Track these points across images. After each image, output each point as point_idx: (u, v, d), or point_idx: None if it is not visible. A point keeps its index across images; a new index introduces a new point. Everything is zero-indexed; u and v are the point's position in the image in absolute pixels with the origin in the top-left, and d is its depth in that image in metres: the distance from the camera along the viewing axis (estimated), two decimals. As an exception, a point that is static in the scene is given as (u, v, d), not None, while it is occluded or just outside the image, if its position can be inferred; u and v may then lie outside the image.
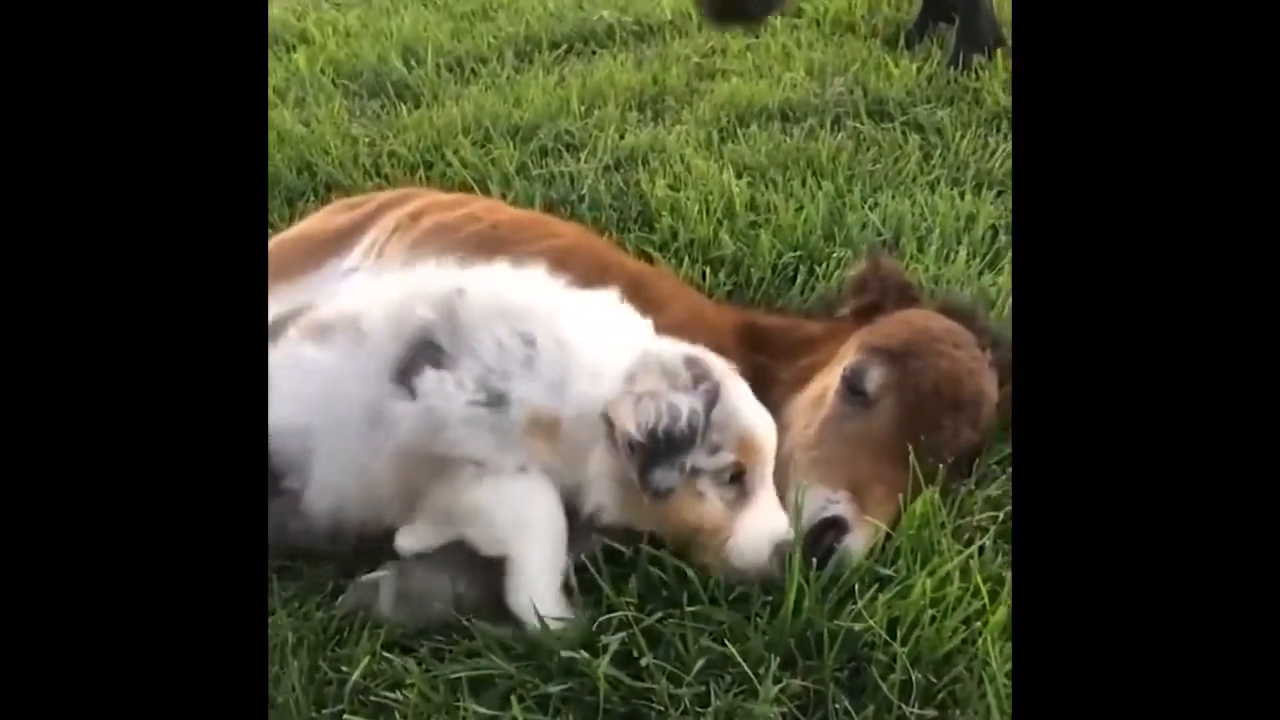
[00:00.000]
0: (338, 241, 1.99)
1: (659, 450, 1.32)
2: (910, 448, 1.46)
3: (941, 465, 1.48)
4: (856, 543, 1.43)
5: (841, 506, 1.45)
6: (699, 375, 1.38)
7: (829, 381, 1.60)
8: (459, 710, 1.26)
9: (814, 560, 1.38)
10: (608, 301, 1.51)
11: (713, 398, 1.36)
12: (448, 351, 1.38)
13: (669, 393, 1.35)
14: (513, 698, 1.25)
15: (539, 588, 1.34)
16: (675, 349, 1.43)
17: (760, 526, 1.39)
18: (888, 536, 1.46)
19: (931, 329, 1.61)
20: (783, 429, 1.50)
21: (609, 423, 1.34)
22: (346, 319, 1.44)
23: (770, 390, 1.60)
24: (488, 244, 1.82)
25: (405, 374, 1.37)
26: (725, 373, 1.42)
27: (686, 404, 1.34)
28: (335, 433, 1.40)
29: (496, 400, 1.35)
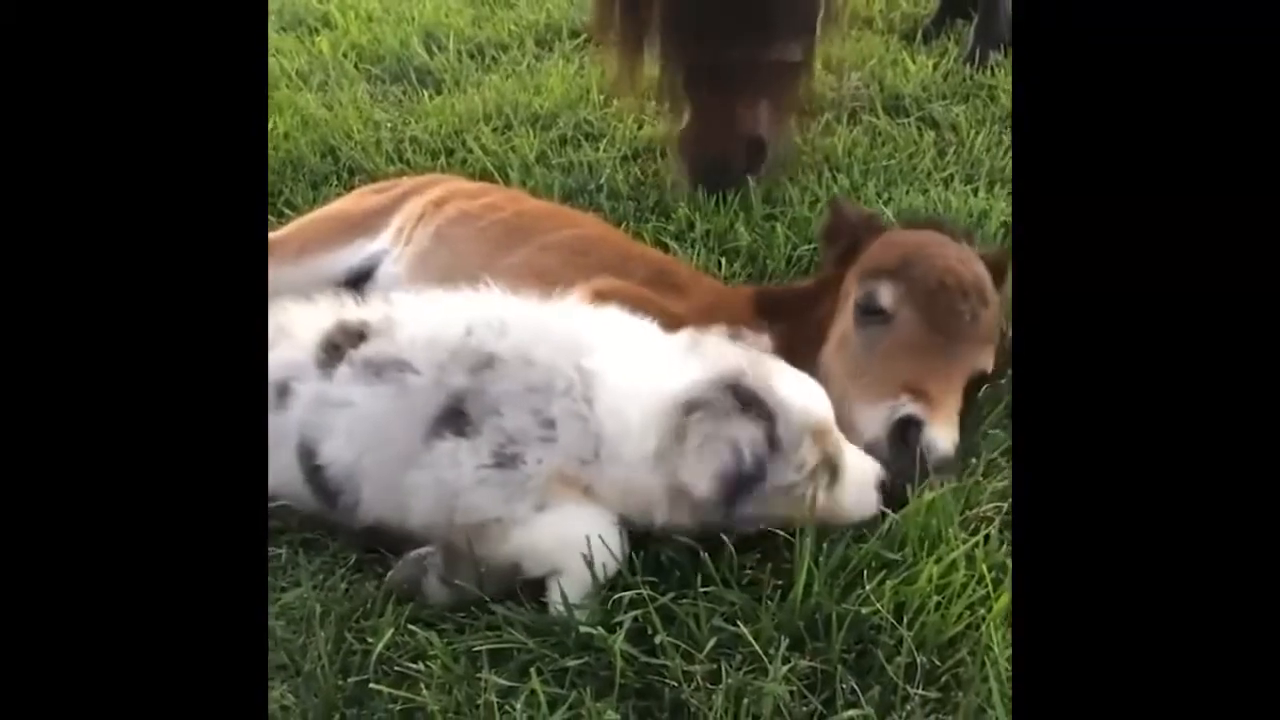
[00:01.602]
0: (366, 223, 2.07)
1: (734, 493, 1.35)
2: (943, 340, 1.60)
3: (976, 346, 1.63)
4: (937, 434, 1.53)
5: (909, 407, 1.55)
6: (745, 399, 1.38)
7: (845, 322, 1.69)
8: (479, 681, 1.31)
9: (907, 461, 1.50)
10: (642, 339, 1.51)
11: (769, 417, 1.37)
12: (473, 421, 1.40)
13: (723, 428, 1.35)
14: (531, 670, 1.30)
15: (580, 593, 1.39)
16: (711, 377, 1.40)
17: (860, 482, 1.46)
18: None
19: (914, 239, 1.75)
20: (824, 382, 1.55)
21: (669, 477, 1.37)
22: (395, 364, 1.46)
23: (798, 352, 1.66)
24: (511, 233, 1.88)
25: (429, 439, 1.41)
26: (764, 373, 1.42)
27: (747, 438, 1.35)
28: (381, 468, 1.45)
29: (509, 461, 1.38)
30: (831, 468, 1.43)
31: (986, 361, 1.66)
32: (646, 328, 1.53)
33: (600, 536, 1.38)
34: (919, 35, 3.45)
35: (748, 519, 1.39)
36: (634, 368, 1.45)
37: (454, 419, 1.40)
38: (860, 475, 1.46)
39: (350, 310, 1.59)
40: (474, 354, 1.44)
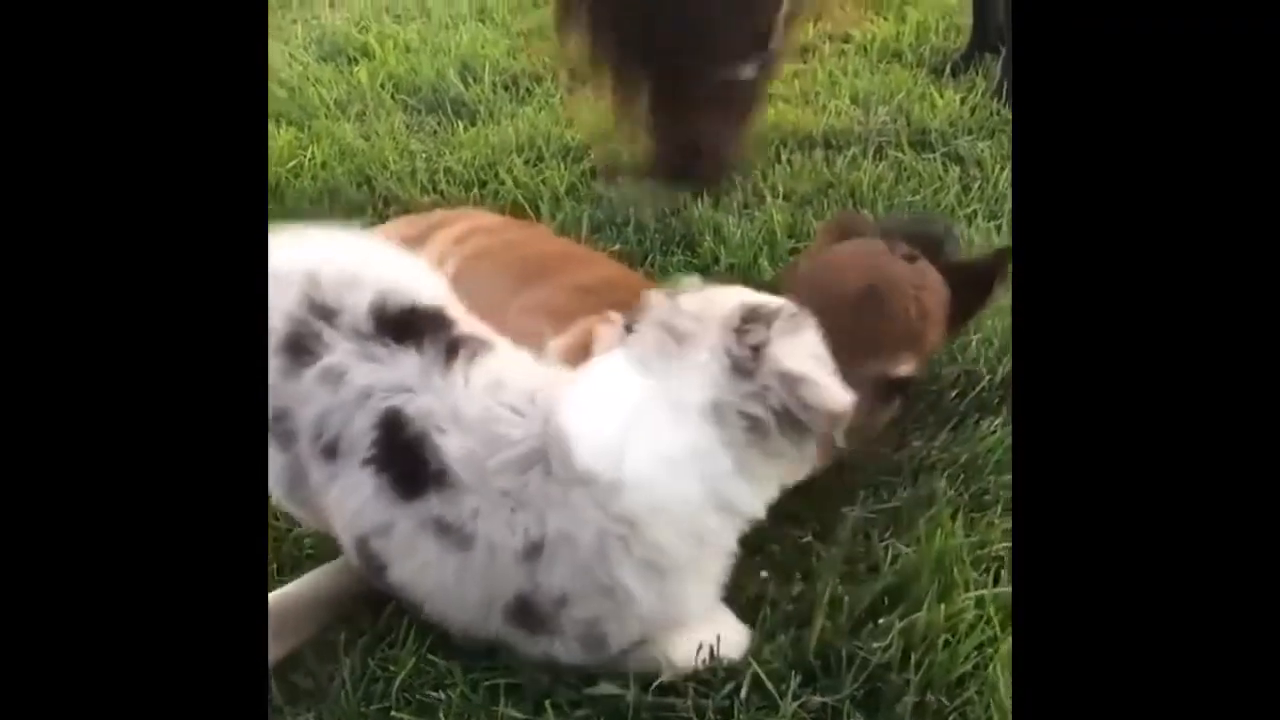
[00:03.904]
0: None
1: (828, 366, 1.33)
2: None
3: (872, 354, 1.61)
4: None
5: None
6: (783, 313, 1.34)
7: None
8: (496, 712, 1.35)
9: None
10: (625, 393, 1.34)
11: (800, 318, 1.35)
12: (545, 617, 1.34)
13: (787, 331, 1.32)
14: (547, 704, 1.34)
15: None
16: (723, 316, 1.33)
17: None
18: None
19: (830, 251, 1.76)
20: None
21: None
22: (458, 535, 1.33)
23: None
24: (528, 271, 1.93)
25: (508, 623, 1.37)
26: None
27: (812, 340, 1.34)
28: (456, 615, 1.41)
29: (597, 644, 1.36)
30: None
31: (890, 367, 1.64)
32: (620, 369, 1.35)
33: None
34: (948, 69, 3.46)
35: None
36: (644, 445, 1.30)
37: (526, 615, 1.34)
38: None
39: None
40: (522, 542, 1.31)
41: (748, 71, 2.52)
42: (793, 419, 1.28)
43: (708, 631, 1.41)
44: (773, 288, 1.63)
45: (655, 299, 1.38)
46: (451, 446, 1.31)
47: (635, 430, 1.29)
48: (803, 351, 1.31)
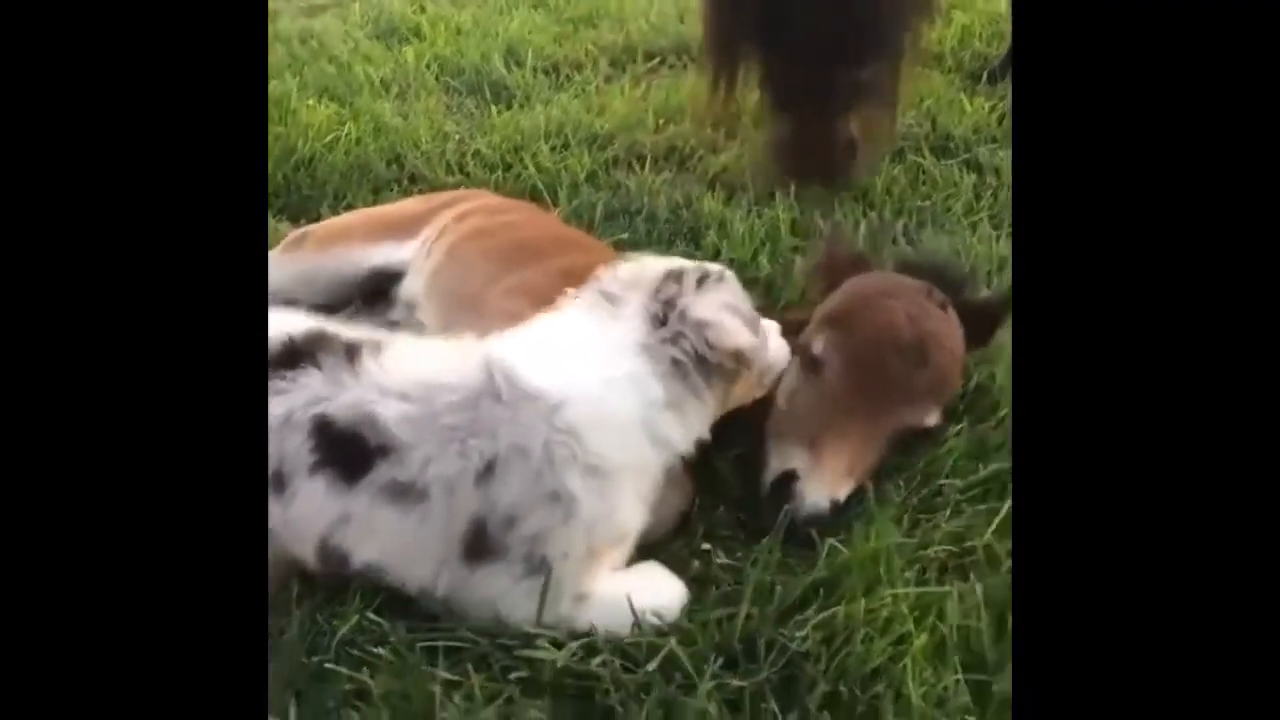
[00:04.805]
0: (400, 227, 2.20)
1: (756, 330, 1.53)
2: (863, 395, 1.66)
3: (904, 405, 1.67)
4: (811, 489, 1.61)
5: (797, 460, 1.63)
6: (698, 277, 1.53)
7: (794, 363, 1.76)
8: (429, 673, 1.41)
9: (771, 510, 1.60)
10: (567, 335, 1.53)
11: (720, 278, 1.55)
12: (496, 541, 1.42)
13: (712, 294, 1.51)
14: (469, 666, 1.40)
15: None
16: (653, 278, 1.53)
17: (774, 329, 1.65)
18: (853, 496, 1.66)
19: (868, 287, 1.80)
20: (773, 418, 1.72)
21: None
22: (411, 491, 1.42)
23: None
24: (520, 253, 1.98)
25: (467, 563, 1.44)
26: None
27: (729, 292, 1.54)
28: (423, 578, 1.47)
29: (540, 566, 1.43)
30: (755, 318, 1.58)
31: (918, 418, 1.70)
32: (561, 320, 1.55)
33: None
34: (985, 75, 3.45)
35: (777, 356, 1.61)
36: (583, 372, 1.47)
37: (479, 542, 1.42)
38: (770, 326, 1.63)
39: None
40: (475, 465, 1.41)
41: (885, 70, 2.70)
42: (704, 360, 1.47)
43: (644, 584, 1.50)
44: (810, 323, 1.76)
45: (600, 271, 1.58)
46: (390, 414, 1.41)
47: (576, 356, 1.48)
48: (714, 302, 1.50)
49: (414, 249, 2.13)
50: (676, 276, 1.52)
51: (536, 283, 1.92)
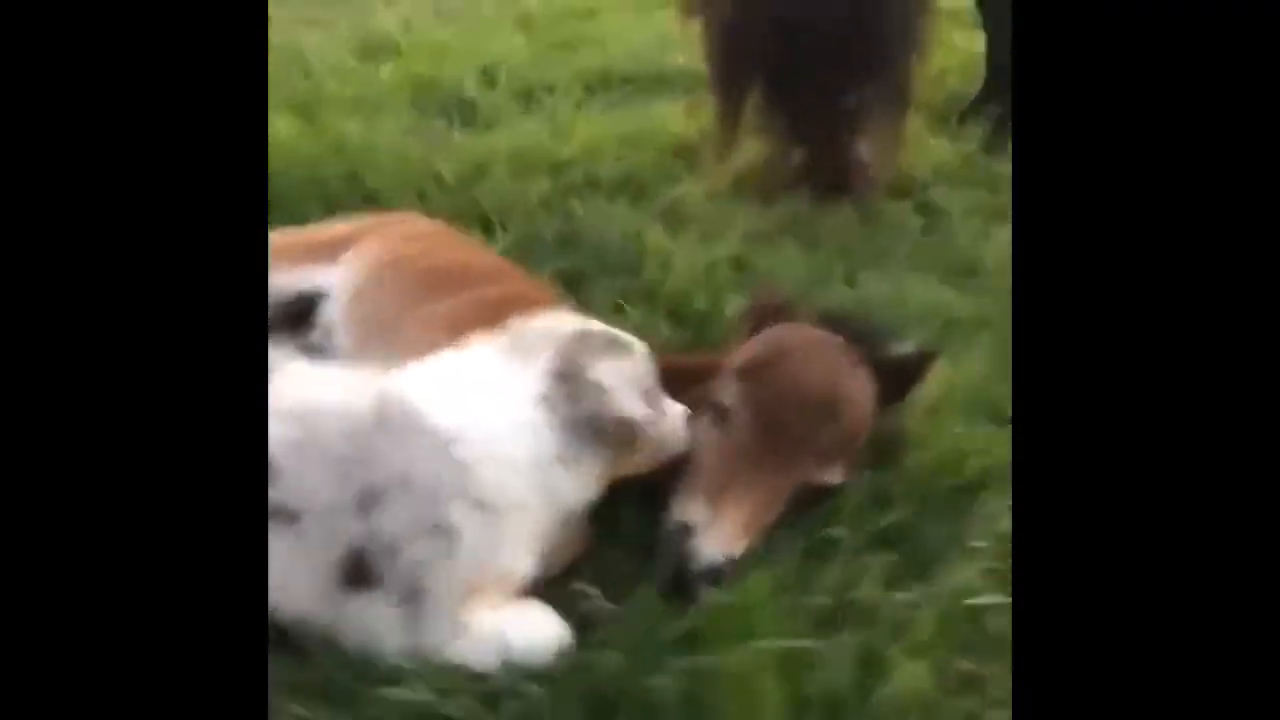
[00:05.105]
0: (325, 250, 2.16)
1: (654, 403, 1.56)
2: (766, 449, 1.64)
3: (809, 462, 1.65)
4: (708, 545, 1.58)
5: (697, 512, 1.61)
6: (600, 341, 1.54)
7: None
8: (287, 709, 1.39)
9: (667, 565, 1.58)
10: (470, 377, 1.54)
11: (625, 347, 1.56)
12: (376, 569, 1.41)
13: (611, 361, 1.52)
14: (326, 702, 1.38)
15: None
16: (563, 339, 1.53)
17: (676, 410, 1.63)
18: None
19: (784, 340, 1.77)
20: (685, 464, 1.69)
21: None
22: (284, 513, 1.41)
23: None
24: (438, 282, 1.97)
25: (342, 591, 1.43)
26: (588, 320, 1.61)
27: (630, 364, 1.54)
28: (299, 608, 1.45)
29: (415, 596, 1.42)
30: (659, 399, 1.59)
31: (822, 476, 1.68)
32: (468, 358, 1.56)
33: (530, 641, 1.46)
34: (955, 116, 3.44)
35: (663, 441, 1.58)
36: (484, 410, 1.48)
37: (356, 570, 1.42)
38: (676, 410, 1.62)
39: None
40: (358, 493, 1.42)
41: (891, 88, 2.83)
42: (597, 424, 1.48)
43: (522, 623, 1.48)
44: (726, 373, 1.73)
45: (514, 323, 1.59)
46: (273, 438, 1.39)
47: (477, 395, 1.50)
48: (615, 371, 1.51)
49: (337, 272, 2.12)
50: (586, 339, 1.54)
51: (453, 313, 1.90)
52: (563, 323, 1.59)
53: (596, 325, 1.59)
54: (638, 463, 1.60)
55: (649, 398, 1.54)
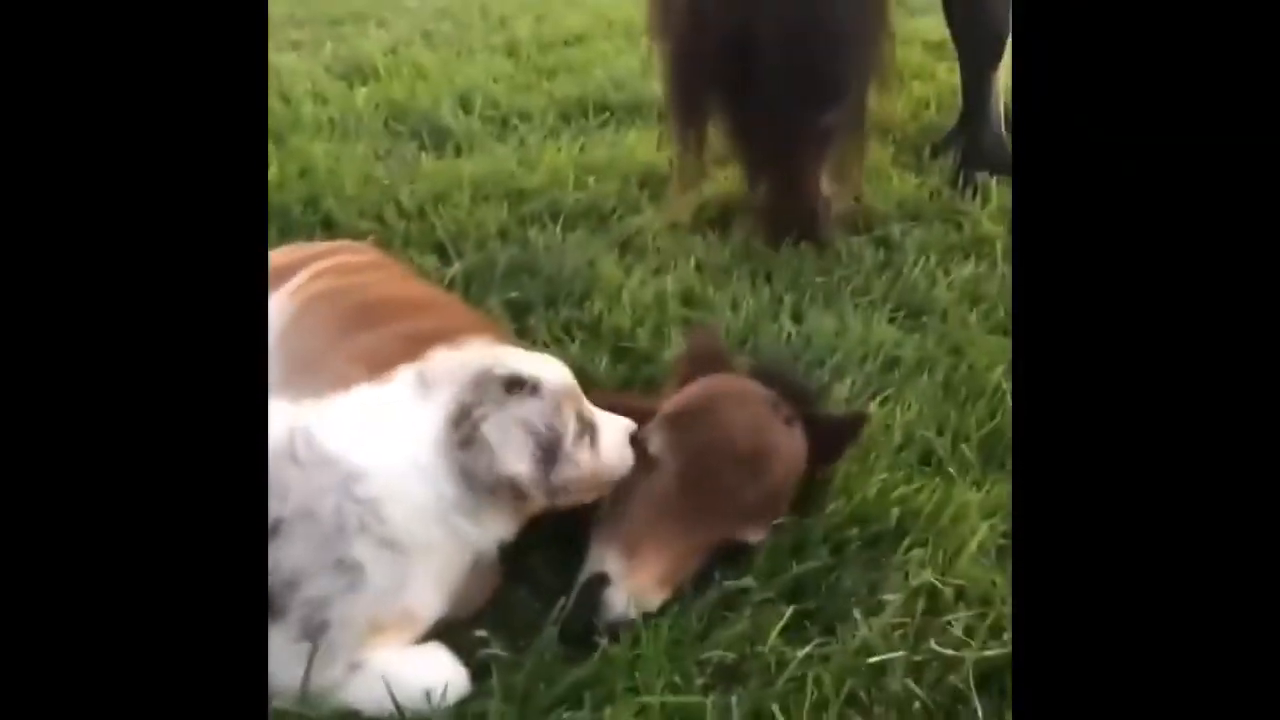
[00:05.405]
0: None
1: (549, 460, 1.45)
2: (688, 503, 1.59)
3: (732, 518, 1.61)
4: (620, 598, 1.54)
5: (613, 563, 1.56)
6: (507, 383, 1.46)
7: None
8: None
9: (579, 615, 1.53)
10: (372, 412, 1.51)
11: (534, 389, 1.47)
12: (275, 604, 1.38)
13: (508, 411, 1.44)
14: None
15: None
16: (463, 382, 1.48)
17: (616, 438, 1.55)
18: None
19: (715, 390, 1.73)
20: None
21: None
22: None
23: None
24: (366, 316, 1.94)
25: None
26: (503, 355, 1.53)
27: (532, 411, 1.45)
28: None
29: (313, 632, 1.39)
30: (590, 426, 1.51)
31: (744, 533, 1.64)
32: (380, 394, 1.53)
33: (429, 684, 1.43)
34: (928, 149, 3.41)
35: (568, 485, 1.48)
36: (389, 448, 1.46)
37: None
38: (614, 431, 1.55)
39: None
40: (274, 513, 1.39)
41: (848, 116, 2.74)
42: (485, 479, 1.43)
43: (422, 664, 1.46)
44: (656, 420, 1.69)
45: (430, 355, 1.54)
46: None
47: (386, 432, 1.46)
48: (509, 420, 1.45)
49: (271, 303, 2.10)
50: (485, 382, 1.47)
51: (378, 348, 1.87)
52: (470, 359, 1.52)
53: (508, 359, 1.52)
54: (582, 493, 1.55)
55: (544, 445, 1.46)
